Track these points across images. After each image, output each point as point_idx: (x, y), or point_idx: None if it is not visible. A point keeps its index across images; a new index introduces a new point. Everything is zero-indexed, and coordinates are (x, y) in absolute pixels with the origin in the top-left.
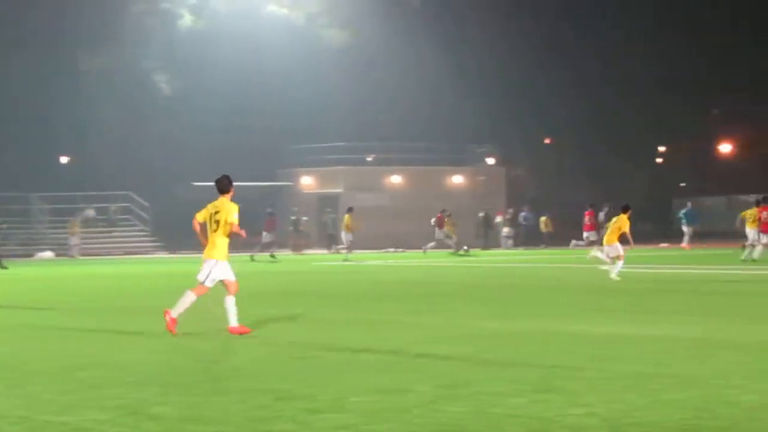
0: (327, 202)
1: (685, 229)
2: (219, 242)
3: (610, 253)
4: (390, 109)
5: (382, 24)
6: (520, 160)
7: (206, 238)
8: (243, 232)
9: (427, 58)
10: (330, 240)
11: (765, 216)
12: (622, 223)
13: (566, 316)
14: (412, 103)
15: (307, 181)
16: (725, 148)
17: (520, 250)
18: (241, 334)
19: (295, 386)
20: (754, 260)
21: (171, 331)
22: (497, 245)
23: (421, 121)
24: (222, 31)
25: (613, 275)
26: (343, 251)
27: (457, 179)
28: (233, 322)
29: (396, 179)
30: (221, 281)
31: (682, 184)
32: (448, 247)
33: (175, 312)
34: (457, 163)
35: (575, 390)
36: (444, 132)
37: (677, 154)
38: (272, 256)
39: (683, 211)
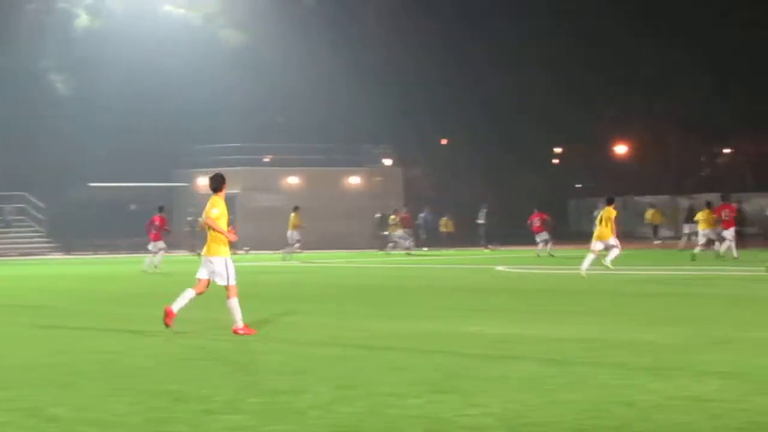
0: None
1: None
2: (218, 239)
3: (607, 245)
4: (287, 110)
5: (278, 24)
6: (417, 160)
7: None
8: (228, 234)
9: (324, 58)
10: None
11: (726, 214)
12: (611, 215)
13: (462, 316)
14: (309, 104)
15: (204, 182)
16: (620, 149)
17: (421, 251)
18: (247, 334)
19: (192, 387)
20: (720, 257)
21: (168, 324)
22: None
23: (318, 121)
24: (119, 31)
25: (608, 262)
26: (290, 249)
27: (354, 180)
28: (239, 323)
29: (293, 180)
30: (200, 278)
31: (578, 185)
32: (401, 247)
33: (239, 322)
34: (354, 163)
35: (471, 390)
36: (341, 132)
37: (573, 155)
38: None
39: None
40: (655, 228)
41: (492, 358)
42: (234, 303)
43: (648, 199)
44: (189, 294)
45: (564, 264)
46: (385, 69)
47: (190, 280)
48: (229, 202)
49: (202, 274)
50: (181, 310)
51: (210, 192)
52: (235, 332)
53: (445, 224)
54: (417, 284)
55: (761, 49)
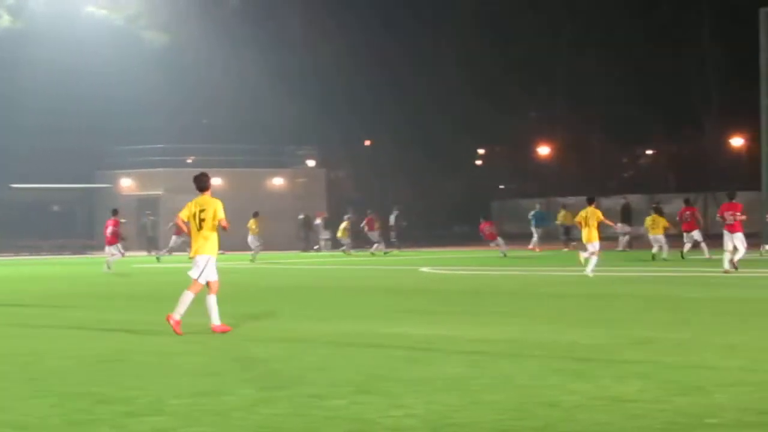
0: (146, 204)
1: (534, 230)
2: (209, 238)
3: (593, 248)
4: (210, 111)
5: (201, 25)
6: (340, 162)
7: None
8: (226, 226)
9: (247, 59)
10: (149, 243)
11: (687, 215)
12: (597, 216)
13: (386, 317)
14: (232, 105)
15: (127, 183)
16: (543, 150)
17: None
18: (223, 332)
19: (114, 389)
20: (664, 260)
21: (177, 333)
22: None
23: (241, 122)
24: (41, 32)
25: (589, 272)
26: (254, 252)
27: (278, 181)
28: (215, 320)
29: (216, 181)
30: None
31: (501, 187)
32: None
33: (177, 314)
34: (278, 165)
35: (394, 391)
36: (264, 134)
37: (496, 156)
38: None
39: (532, 212)
40: (567, 229)
41: (415, 359)
42: (188, 296)
43: (570, 200)
44: (209, 301)
45: (494, 265)
46: (308, 70)
47: (123, 282)
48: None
49: (196, 275)
50: (217, 316)
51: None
52: (168, 320)
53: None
54: (340, 285)
55: (680, 50)
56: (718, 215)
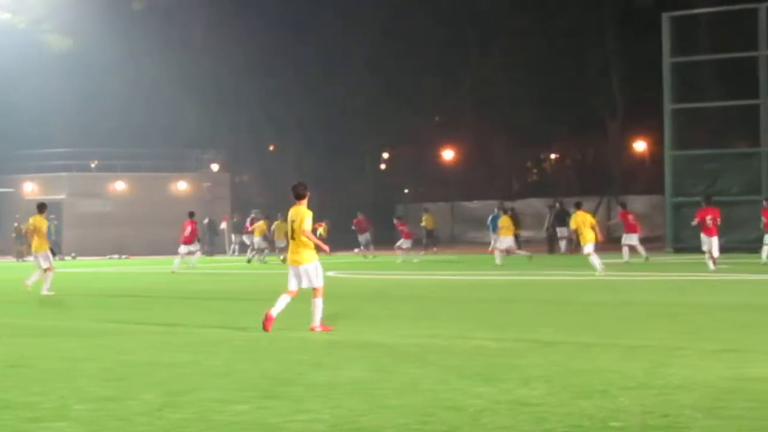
0: (50, 208)
1: (492, 235)
2: (305, 246)
3: (588, 249)
4: (114, 115)
5: (105, 30)
6: (245, 165)
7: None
8: (323, 245)
9: (152, 63)
10: (54, 246)
11: (631, 218)
12: (588, 219)
13: (291, 322)
14: (136, 109)
15: (30, 188)
16: (448, 154)
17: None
18: (325, 331)
19: (16, 395)
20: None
21: (327, 329)
22: (223, 251)
23: (146, 127)
24: None
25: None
26: (261, 255)
27: (182, 185)
28: (317, 321)
29: (120, 186)
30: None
31: (406, 191)
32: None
33: (317, 321)
34: (182, 169)
35: (300, 396)
36: (169, 138)
37: (400, 160)
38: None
39: (491, 216)
40: (429, 232)
41: (321, 363)
42: (318, 302)
43: (475, 204)
44: (285, 299)
45: (399, 269)
46: (213, 75)
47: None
48: (56, 207)
49: (293, 286)
50: (279, 314)
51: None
52: (312, 330)
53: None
54: (243, 289)
55: (584, 54)
56: (697, 219)
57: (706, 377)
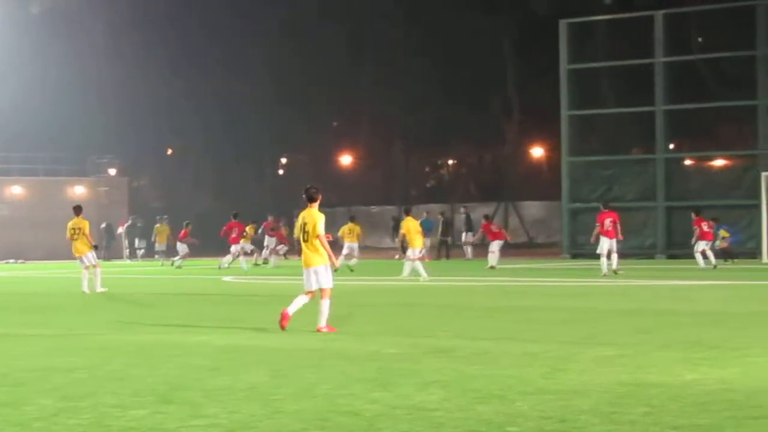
0: None
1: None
2: (316, 249)
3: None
4: (10, 119)
5: (2, 33)
6: (143, 170)
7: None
8: (333, 257)
9: (50, 67)
10: None
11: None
12: (414, 226)
13: (189, 326)
14: (33, 113)
15: None
16: (346, 160)
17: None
18: (330, 332)
19: None
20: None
21: (333, 330)
22: (120, 256)
23: (42, 131)
24: None
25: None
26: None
27: (79, 190)
28: (322, 322)
29: (16, 190)
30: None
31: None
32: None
33: (323, 321)
34: (79, 173)
35: (197, 401)
36: (66, 142)
37: (298, 165)
38: None
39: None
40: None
41: (219, 368)
42: (325, 303)
43: (374, 209)
44: (302, 300)
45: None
46: (111, 79)
47: None
48: None
49: (311, 287)
50: (325, 319)
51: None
52: (319, 330)
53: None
54: (143, 293)
55: (482, 60)
56: (597, 223)
57: (603, 382)
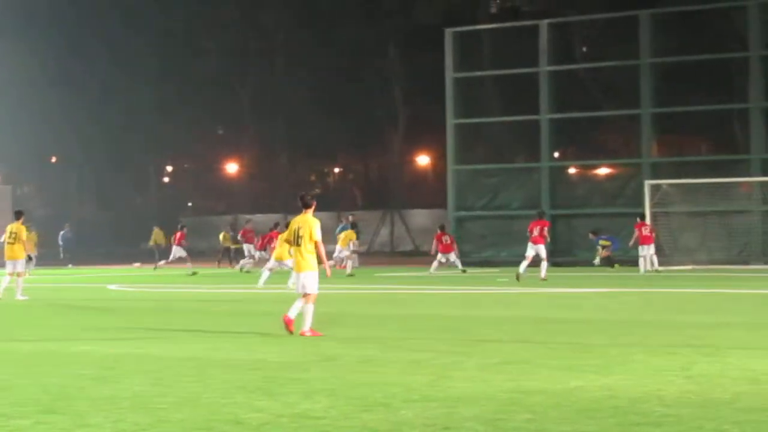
0: None
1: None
2: (306, 255)
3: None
4: None
5: None
6: (26, 177)
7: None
8: (326, 263)
9: None
10: None
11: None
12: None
13: (74, 336)
14: None
15: None
16: (232, 168)
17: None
18: (314, 336)
19: None
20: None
21: (317, 334)
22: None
23: None
24: None
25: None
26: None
27: None
28: (307, 326)
29: None
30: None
31: (189, 204)
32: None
33: (307, 325)
34: None
35: (81, 410)
36: None
37: (184, 173)
38: None
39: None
40: (159, 247)
41: (103, 377)
42: (309, 308)
43: (258, 217)
44: (305, 308)
45: (185, 283)
46: None
47: None
48: None
49: (298, 290)
50: (309, 322)
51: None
52: (302, 334)
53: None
54: (25, 302)
55: (368, 69)
56: (528, 230)
57: (487, 389)
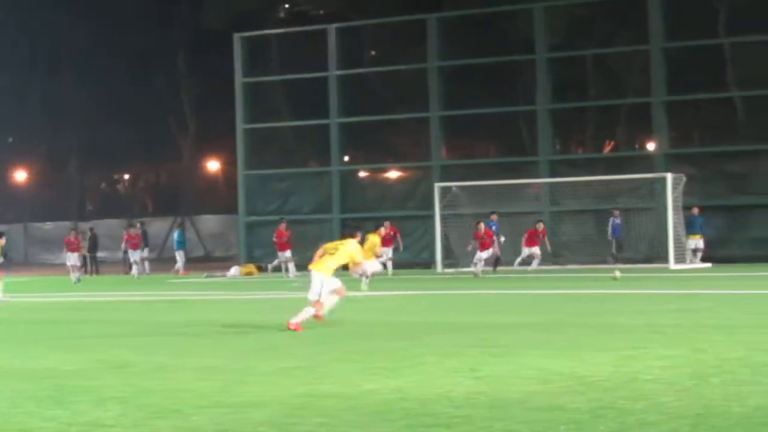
0: None
1: (178, 254)
2: (330, 262)
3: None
4: None
5: None
6: None
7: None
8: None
9: None
10: None
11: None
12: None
13: None
14: None
15: None
16: (21, 175)
17: None
18: (296, 330)
19: None
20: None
21: (298, 329)
22: None
23: None
24: None
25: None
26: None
27: None
28: (295, 320)
29: None
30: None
31: None
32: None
33: (296, 319)
34: None
35: None
36: None
37: None
38: None
39: (175, 235)
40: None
41: None
42: (309, 310)
43: (48, 225)
44: (309, 311)
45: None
46: None
47: None
48: None
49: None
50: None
51: None
52: (288, 326)
53: None
54: None
55: (157, 75)
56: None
57: (279, 394)
